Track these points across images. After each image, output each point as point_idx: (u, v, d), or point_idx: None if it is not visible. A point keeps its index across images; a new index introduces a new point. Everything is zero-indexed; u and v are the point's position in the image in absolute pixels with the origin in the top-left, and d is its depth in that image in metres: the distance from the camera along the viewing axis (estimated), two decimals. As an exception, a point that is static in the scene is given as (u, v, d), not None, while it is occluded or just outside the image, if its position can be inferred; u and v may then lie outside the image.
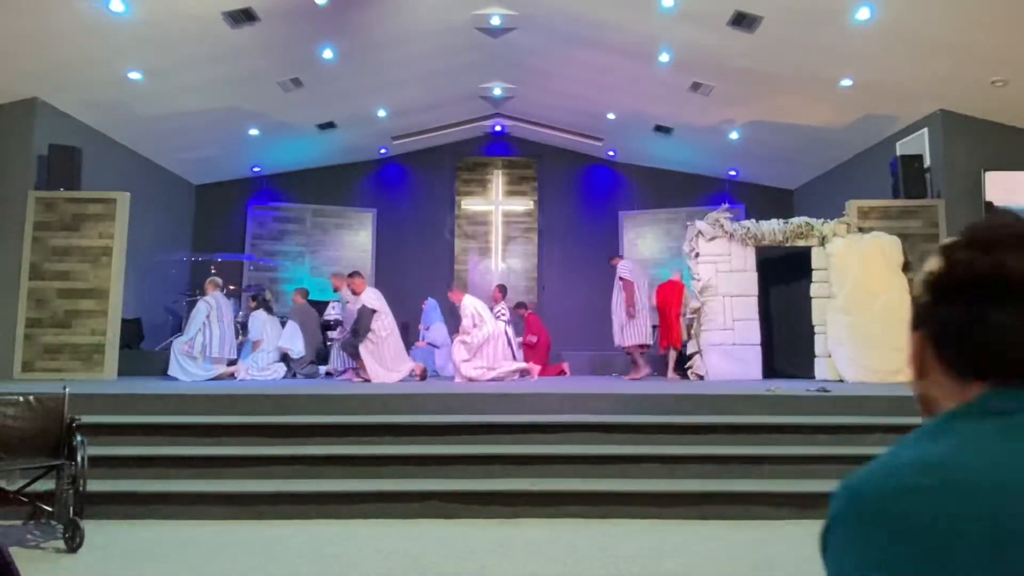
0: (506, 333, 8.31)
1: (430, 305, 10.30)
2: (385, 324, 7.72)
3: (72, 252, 8.07)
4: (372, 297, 7.77)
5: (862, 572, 0.58)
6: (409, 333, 10.35)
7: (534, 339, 9.86)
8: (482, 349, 7.84)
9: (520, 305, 10.38)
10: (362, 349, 7.61)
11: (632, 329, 8.39)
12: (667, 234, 12.69)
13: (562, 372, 9.69)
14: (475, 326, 7.87)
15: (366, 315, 7.62)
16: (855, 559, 0.59)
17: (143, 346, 10.11)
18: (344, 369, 8.63)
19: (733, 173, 12.52)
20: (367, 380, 7.56)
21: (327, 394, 5.38)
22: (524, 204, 13.21)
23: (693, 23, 7.99)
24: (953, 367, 0.66)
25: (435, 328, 9.87)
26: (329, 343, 9.58)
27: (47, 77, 7.91)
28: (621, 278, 8.47)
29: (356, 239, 12.82)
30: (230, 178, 12.42)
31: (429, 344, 9.89)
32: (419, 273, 12.62)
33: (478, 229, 13.19)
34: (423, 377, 8.26)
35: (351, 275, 8.15)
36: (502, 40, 9.49)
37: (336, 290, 8.98)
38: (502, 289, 9.26)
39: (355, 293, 7.92)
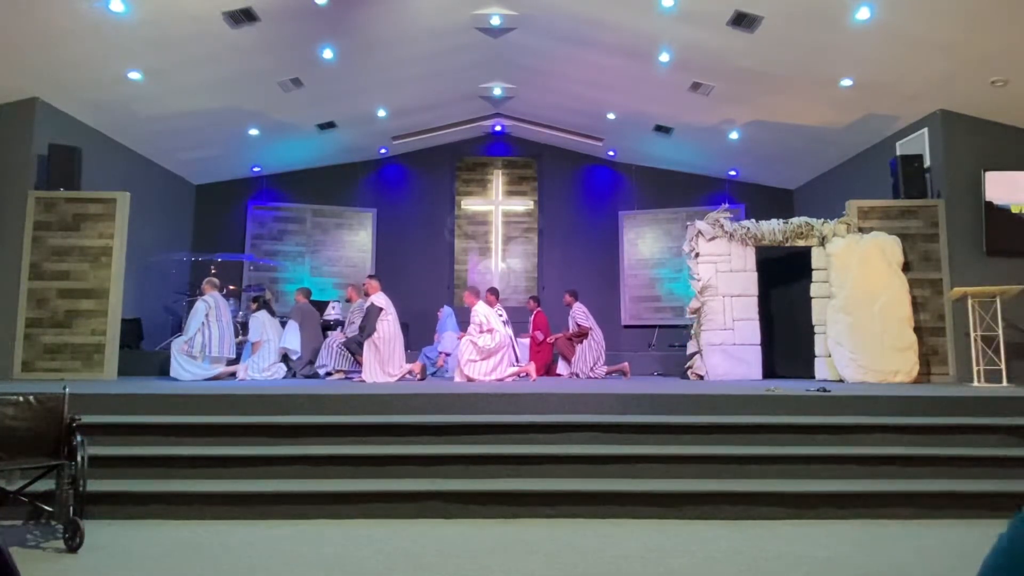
0: (512, 342, 8.44)
1: (446, 312, 10.37)
2: (389, 327, 7.82)
3: (72, 252, 8.07)
4: (381, 299, 7.97)
5: None
6: (410, 333, 10.37)
7: (540, 336, 9.89)
8: (491, 357, 7.93)
9: (534, 299, 10.48)
10: (365, 347, 7.73)
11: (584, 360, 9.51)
12: (667, 234, 12.70)
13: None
14: (482, 333, 7.96)
15: (373, 313, 7.84)
16: None
17: (143, 346, 10.11)
18: (342, 369, 8.66)
19: (733, 173, 12.53)
20: (362, 380, 7.66)
21: (327, 394, 5.38)
22: (524, 204, 13.22)
23: (693, 23, 7.99)
24: None
25: (447, 336, 9.91)
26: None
27: (47, 77, 7.91)
28: (579, 324, 9.58)
29: (356, 239, 12.83)
30: (230, 178, 12.43)
31: (441, 352, 9.94)
32: (419, 273, 12.64)
33: (478, 229, 13.20)
34: (423, 377, 8.32)
35: (369, 277, 8.48)
36: (502, 40, 9.50)
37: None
38: (494, 292, 9.27)
39: (367, 294, 8.16)
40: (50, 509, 3.75)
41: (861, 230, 8.38)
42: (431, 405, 5.22)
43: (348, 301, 9.54)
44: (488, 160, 13.33)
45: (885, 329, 7.77)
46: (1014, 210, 8.24)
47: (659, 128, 11.24)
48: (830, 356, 8.11)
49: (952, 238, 8.34)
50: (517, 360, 8.66)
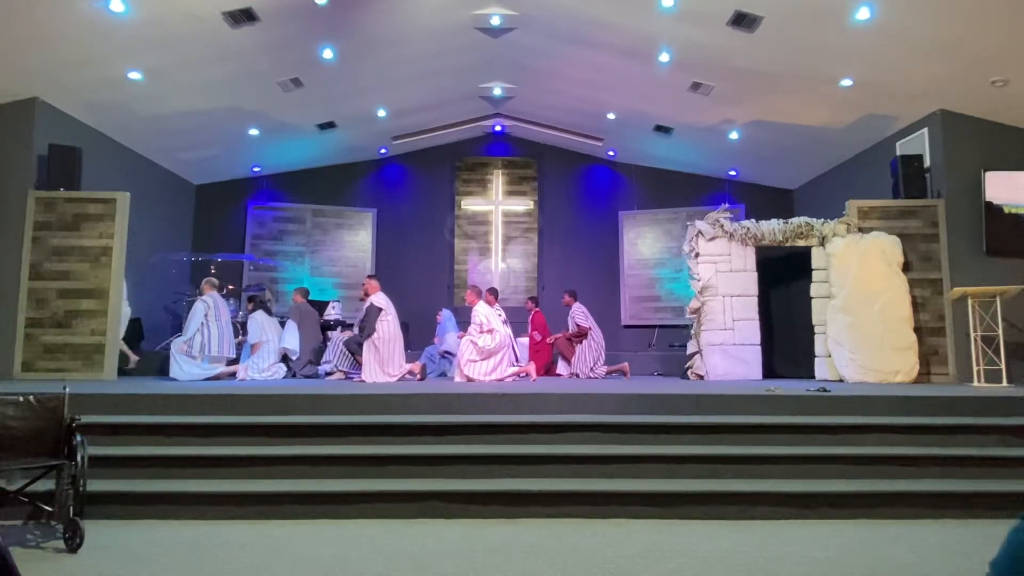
0: (512, 342, 8.44)
1: (445, 316, 10.37)
2: (389, 327, 7.83)
3: (72, 252, 8.07)
4: (381, 299, 7.97)
5: None
6: (409, 333, 10.37)
7: (538, 336, 9.90)
8: (491, 357, 7.93)
9: (532, 299, 10.49)
10: (364, 347, 7.72)
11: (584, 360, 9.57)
12: (667, 234, 12.70)
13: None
14: (482, 333, 7.97)
15: (373, 313, 7.85)
16: None
17: (143, 346, 10.10)
18: (344, 369, 8.66)
19: (733, 173, 12.52)
20: (362, 380, 7.66)
21: (327, 394, 5.38)
22: (524, 204, 13.22)
23: (693, 23, 7.99)
24: None
25: (449, 338, 9.92)
26: (328, 342, 9.59)
27: (47, 77, 7.91)
28: (579, 324, 9.60)
29: (356, 239, 12.83)
30: (230, 178, 12.43)
31: (444, 352, 9.94)
32: (419, 273, 12.64)
33: (478, 229, 13.20)
34: (422, 377, 8.33)
35: (369, 277, 8.49)
36: (502, 40, 9.49)
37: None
38: (494, 292, 9.27)
39: (367, 294, 8.16)
40: (50, 509, 3.75)
41: (861, 230, 8.38)
42: (431, 405, 5.22)
43: (361, 300, 9.56)
44: (488, 160, 13.33)
45: (885, 329, 7.77)
46: (1007, 211, 8.23)
47: (659, 128, 11.24)
48: (830, 356, 8.11)
49: (952, 238, 8.34)
50: (517, 360, 8.67)
